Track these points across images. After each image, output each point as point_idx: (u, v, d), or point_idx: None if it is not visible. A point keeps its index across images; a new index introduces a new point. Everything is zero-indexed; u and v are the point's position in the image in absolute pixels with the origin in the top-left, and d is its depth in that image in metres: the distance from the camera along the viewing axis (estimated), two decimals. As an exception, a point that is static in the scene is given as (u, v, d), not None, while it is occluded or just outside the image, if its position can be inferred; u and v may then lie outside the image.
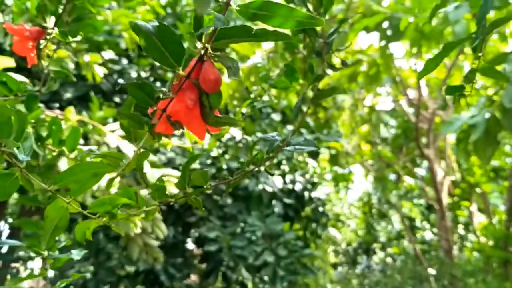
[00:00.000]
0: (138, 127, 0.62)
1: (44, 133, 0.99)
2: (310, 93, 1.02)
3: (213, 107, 0.62)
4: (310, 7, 1.06)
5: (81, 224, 0.71)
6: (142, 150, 0.65)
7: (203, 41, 0.61)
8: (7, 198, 0.64)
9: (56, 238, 0.71)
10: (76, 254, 0.80)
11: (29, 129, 0.92)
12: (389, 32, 3.01)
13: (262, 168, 0.85)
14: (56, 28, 0.95)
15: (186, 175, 0.75)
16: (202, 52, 0.61)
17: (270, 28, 0.64)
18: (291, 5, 1.14)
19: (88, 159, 0.84)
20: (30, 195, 0.75)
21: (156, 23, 0.58)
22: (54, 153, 1.00)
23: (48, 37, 0.94)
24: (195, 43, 0.60)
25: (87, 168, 0.68)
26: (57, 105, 4.72)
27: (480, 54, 0.88)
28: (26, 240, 0.82)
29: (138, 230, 3.68)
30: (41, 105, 1.09)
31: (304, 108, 0.90)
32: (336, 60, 1.06)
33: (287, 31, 0.68)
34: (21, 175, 0.67)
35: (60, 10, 0.97)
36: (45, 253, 0.76)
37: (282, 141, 0.85)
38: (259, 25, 0.68)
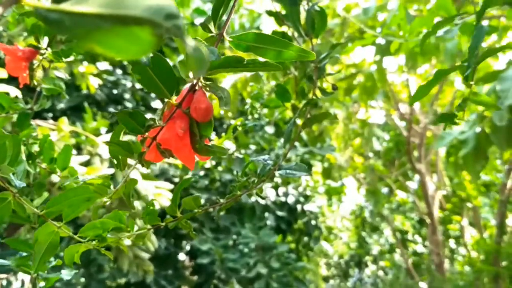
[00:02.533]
0: (127, 155, 0.62)
1: (34, 150, 0.99)
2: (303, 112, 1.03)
3: (203, 136, 0.63)
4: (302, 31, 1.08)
5: (70, 248, 0.72)
6: (130, 178, 0.66)
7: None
8: (0, 223, 0.64)
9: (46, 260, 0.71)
10: (67, 274, 0.80)
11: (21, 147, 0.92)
12: (384, 47, 3.05)
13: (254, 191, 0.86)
14: (49, 49, 0.95)
15: (177, 199, 0.76)
16: (194, 81, 0.62)
17: (261, 59, 0.66)
18: (285, 29, 1.16)
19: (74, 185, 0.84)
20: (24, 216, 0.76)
21: (151, 54, 0.59)
22: (45, 171, 1.00)
23: (41, 57, 0.95)
24: (187, 72, 0.61)
25: (81, 193, 0.68)
26: (50, 115, 4.71)
27: (472, 83, 0.90)
28: (14, 259, 0.81)
29: (129, 242, 3.67)
30: (32, 122, 1.10)
31: (294, 133, 0.91)
32: (327, 84, 1.08)
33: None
34: (14, 199, 0.67)
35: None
36: (34, 273, 0.76)
37: (273, 165, 0.86)
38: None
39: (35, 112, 1.12)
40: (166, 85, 0.60)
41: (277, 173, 0.82)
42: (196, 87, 0.62)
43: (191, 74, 0.62)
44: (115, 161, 0.64)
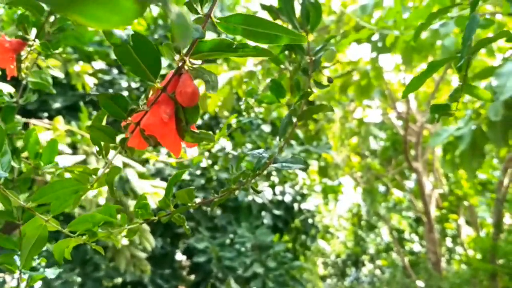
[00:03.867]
0: (109, 141, 0.60)
1: (19, 145, 0.97)
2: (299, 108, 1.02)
3: (189, 122, 0.60)
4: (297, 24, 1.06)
5: (60, 243, 0.70)
6: (113, 165, 0.63)
7: (181, 53, 0.59)
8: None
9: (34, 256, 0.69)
10: (51, 273, 0.78)
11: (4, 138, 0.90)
12: (379, 44, 3.03)
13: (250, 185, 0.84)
14: (37, 40, 0.93)
15: (170, 193, 0.74)
16: (180, 64, 0.60)
17: (251, 43, 0.63)
18: (280, 23, 1.15)
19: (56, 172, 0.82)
20: (5, 210, 0.73)
21: (131, 32, 0.56)
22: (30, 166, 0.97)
23: (29, 48, 0.93)
24: (173, 55, 0.59)
25: (68, 185, 0.66)
26: (46, 114, 4.68)
27: (464, 74, 0.88)
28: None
29: (126, 242, 3.64)
30: (18, 116, 1.07)
31: (290, 127, 0.90)
32: (323, 76, 1.06)
33: (268, 47, 0.67)
34: (-2, 191, 0.65)
35: (42, 20, 0.96)
36: (17, 271, 0.74)
37: (269, 158, 0.84)
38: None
39: (30, 111, 1.10)
40: (149, 68, 0.57)
41: (273, 166, 0.80)
42: (182, 70, 0.59)
43: (176, 57, 0.59)
44: (97, 148, 0.62)
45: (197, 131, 0.61)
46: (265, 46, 0.64)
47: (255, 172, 0.82)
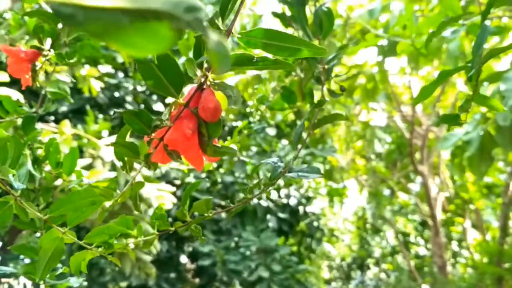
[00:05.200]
0: (133, 156, 0.60)
1: (40, 154, 0.97)
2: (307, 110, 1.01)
3: (211, 136, 0.60)
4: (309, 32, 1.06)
5: (76, 255, 0.69)
6: (136, 180, 0.63)
7: (203, 69, 0.60)
8: (1, 228, 0.62)
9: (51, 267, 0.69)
10: (75, 282, 0.78)
11: (26, 151, 0.90)
12: (386, 48, 3.03)
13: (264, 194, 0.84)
14: (52, 50, 0.94)
15: (187, 203, 0.73)
16: (202, 80, 0.60)
17: (270, 56, 0.63)
18: (291, 31, 1.14)
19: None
20: (26, 221, 0.73)
21: None
22: (52, 176, 0.97)
23: (44, 59, 0.93)
24: (195, 70, 0.59)
25: (85, 196, 0.66)
26: (52, 118, 4.70)
27: (475, 83, 0.88)
28: (21, 266, 0.79)
29: (131, 246, 3.65)
30: (38, 126, 1.08)
31: (305, 134, 0.90)
32: (334, 85, 1.06)
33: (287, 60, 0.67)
34: (15, 203, 0.65)
35: (58, 31, 0.96)
36: (39, 281, 0.74)
37: (284, 167, 0.84)
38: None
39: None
40: (173, 84, 0.57)
41: (288, 175, 0.80)
42: (204, 86, 0.60)
43: (198, 73, 0.60)
44: (121, 163, 0.62)
45: (219, 145, 0.61)
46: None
47: (271, 181, 0.82)
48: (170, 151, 0.60)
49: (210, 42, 0.28)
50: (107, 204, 0.66)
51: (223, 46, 0.29)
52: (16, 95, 1.83)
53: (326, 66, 1.02)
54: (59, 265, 0.73)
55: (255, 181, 0.80)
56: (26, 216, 0.66)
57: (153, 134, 0.61)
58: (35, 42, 0.99)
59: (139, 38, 0.26)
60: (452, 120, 0.94)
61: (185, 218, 0.73)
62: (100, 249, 0.70)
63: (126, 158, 0.63)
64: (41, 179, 0.92)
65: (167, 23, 0.26)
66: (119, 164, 0.65)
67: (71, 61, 0.91)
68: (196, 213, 0.75)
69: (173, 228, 0.74)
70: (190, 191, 0.73)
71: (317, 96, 1.06)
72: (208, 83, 0.61)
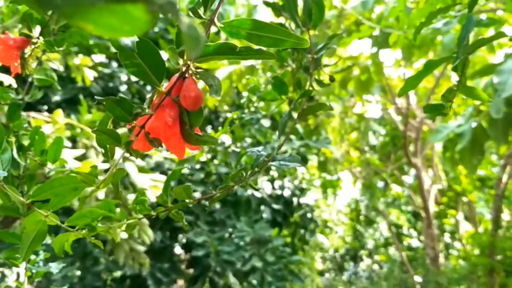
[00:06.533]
0: (115, 144, 0.61)
1: (26, 142, 0.97)
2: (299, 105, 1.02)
3: (193, 125, 0.61)
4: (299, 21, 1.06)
5: (59, 237, 0.70)
6: (118, 167, 0.64)
7: (185, 57, 0.60)
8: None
9: (34, 250, 0.70)
10: (55, 268, 0.79)
11: (12, 139, 0.91)
12: (380, 39, 3.03)
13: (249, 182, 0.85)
14: (41, 38, 0.94)
15: (168, 189, 0.74)
16: (184, 69, 0.60)
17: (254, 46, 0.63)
18: (283, 20, 1.15)
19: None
20: (9, 206, 0.74)
21: (136, 38, 0.56)
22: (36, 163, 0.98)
23: (33, 46, 0.93)
24: (177, 59, 0.59)
25: (67, 182, 0.67)
26: (45, 107, 4.68)
27: (461, 74, 0.88)
28: (3, 251, 0.80)
29: (125, 236, 3.65)
30: (24, 113, 1.08)
31: (290, 124, 0.90)
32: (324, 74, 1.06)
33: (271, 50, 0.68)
34: (-3, 188, 0.66)
35: (46, 18, 0.96)
36: (21, 266, 0.75)
37: (267, 156, 0.85)
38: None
39: (30, 104, 1.10)
40: (154, 72, 0.58)
41: (271, 164, 0.81)
42: (186, 74, 0.60)
43: (180, 61, 0.60)
44: (103, 150, 0.63)
45: (200, 133, 0.62)
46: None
47: (253, 170, 0.83)
48: (151, 139, 0.60)
49: (182, 26, 0.28)
50: (89, 190, 0.66)
51: (194, 29, 0.29)
52: (8, 79, 1.82)
53: (314, 56, 1.03)
54: (40, 251, 0.74)
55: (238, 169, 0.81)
56: (8, 200, 0.67)
57: (134, 122, 0.61)
58: (25, 29, 0.99)
59: (113, 19, 0.26)
60: (434, 109, 0.95)
61: (166, 204, 0.74)
62: (83, 231, 0.71)
63: (108, 146, 0.64)
64: (26, 167, 0.92)
65: (142, 6, 0.26)
66: (101, 151, 0.65)
67: (60, 48, 0.91)
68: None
69: (154, 213, 0.75)
70: (171, 177, 0.74)
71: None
72: (190, 71, 0.61)
